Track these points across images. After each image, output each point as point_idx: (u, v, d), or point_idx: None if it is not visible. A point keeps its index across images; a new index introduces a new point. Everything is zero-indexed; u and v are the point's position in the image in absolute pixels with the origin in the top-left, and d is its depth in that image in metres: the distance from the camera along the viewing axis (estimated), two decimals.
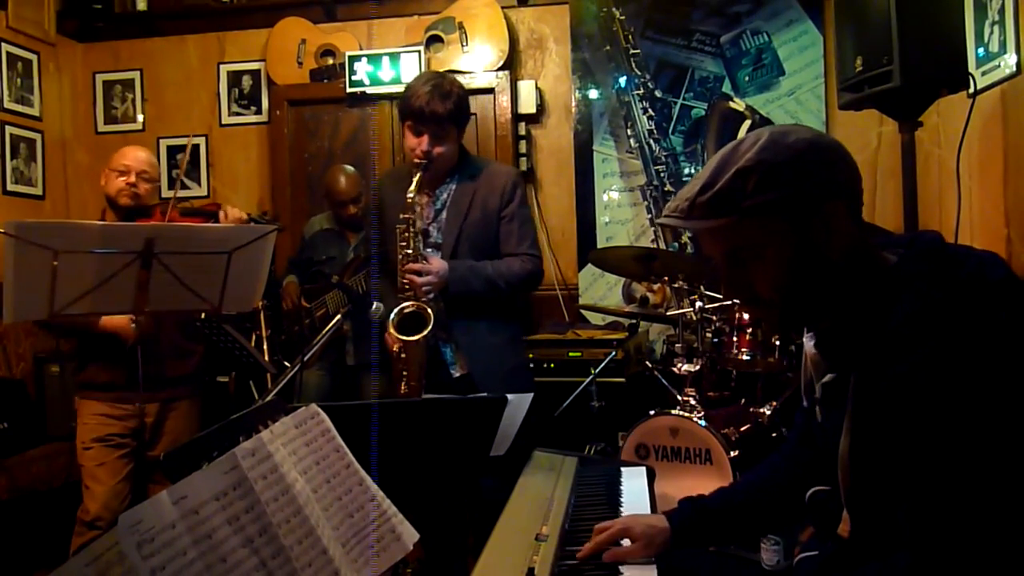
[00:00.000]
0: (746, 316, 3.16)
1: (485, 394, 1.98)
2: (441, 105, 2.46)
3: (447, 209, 2.59)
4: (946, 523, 1.05)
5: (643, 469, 1.94)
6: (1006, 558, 1.05)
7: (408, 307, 2.46)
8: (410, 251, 2.48)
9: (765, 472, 1.54)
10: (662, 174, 4.35)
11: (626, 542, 1.43)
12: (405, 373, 2.45)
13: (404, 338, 2.42)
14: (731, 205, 1.16)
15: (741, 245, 1.20)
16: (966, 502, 1.04)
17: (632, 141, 4.38)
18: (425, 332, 2.41)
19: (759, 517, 1.52)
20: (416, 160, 2.50)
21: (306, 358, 2.14)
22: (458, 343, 2.57)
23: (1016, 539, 1.04)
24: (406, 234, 2.48)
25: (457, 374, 2.58)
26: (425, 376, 2.48)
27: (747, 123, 4.26)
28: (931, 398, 1.06)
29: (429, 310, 2.43)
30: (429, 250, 2.58)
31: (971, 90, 2.68)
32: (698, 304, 3.17)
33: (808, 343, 1.34)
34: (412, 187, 2.46)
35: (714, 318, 3.22)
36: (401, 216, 2.49)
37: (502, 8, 4.39)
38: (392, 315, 2.45)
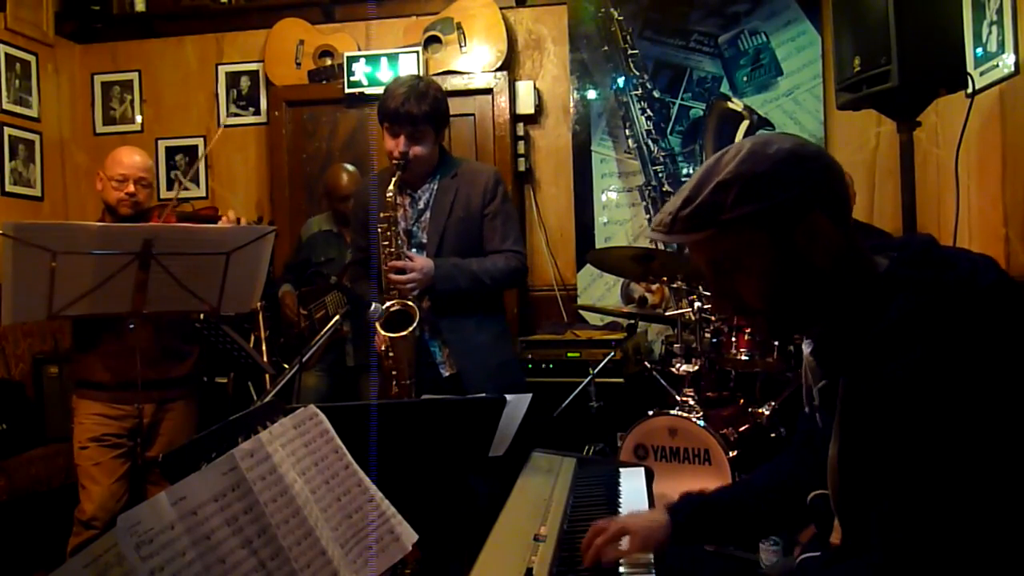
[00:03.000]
0: None
1: (483, 394, 1.98)
2: (416, 106, 2.48)
3: (430, 209, 2.62)
4: (918, 524, 1.04)
5: (641, 470, 1.94)
6: (977, 561, 1.04)
7: (393, 306, 2.47)
8: (392, 250, 2.50)
9: (769, 473, 1.54)
10: (660, 174, 4.35)
11: (625, 540, 1.40)
12: (395, 372, 2.46)
13: (390, 335, 2.43)
14: (711, 218, 1.16)
15: (724, 256, 1.20)
16: (941, 504, 1.03)
17: (630, 141, 4.38)
18: (410, 329, 2.42)
19: (760, 517, 1.51)
20: (393, 161, 2.53)
21: (305, 359, 2.14)
22: (445, 341, 2.59)
23: (990, 543, 1.04)
24: (387, 233, 2.50)
25: (447, 373, 2.60)
26: (415, 375, 2.48)
27: (745, 123, 4.26)
28: (914, 402, 1.05)
29: (415, 308, 2.45)
30: (414, 250, 2.60)
31: (969, 90, 2.69)
32: (696, 304, 3.17)
33: (807, 350, 1.34)
34: (391, 187, 2.49)
35: (712, 318, 3.21)
36: (381, 216, 2.51)
37: (500, 9, 4.38)
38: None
